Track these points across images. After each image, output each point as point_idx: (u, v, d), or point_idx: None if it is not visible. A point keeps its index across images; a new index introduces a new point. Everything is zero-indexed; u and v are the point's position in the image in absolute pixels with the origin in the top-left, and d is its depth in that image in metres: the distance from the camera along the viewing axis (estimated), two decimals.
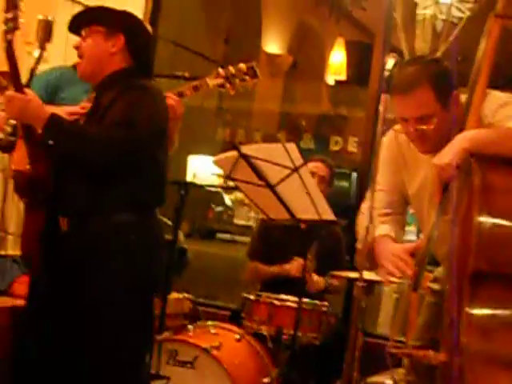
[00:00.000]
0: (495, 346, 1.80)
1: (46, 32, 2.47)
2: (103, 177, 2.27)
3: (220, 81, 2.44)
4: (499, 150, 2.00)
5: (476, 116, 2.05)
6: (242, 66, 2.45)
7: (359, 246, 2.44)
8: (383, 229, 2.42)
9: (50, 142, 2.24)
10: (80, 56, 2.34)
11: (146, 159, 2.30)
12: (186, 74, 2.71)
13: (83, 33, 2.31)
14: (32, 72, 2.43)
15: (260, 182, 2.39)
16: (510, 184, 1.89)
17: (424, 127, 2.17)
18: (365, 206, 2.42)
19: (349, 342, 2.45)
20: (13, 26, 2.24)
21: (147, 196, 2.39)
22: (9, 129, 2.29)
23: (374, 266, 2.38)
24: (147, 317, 2.48)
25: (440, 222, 2.07)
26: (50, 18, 2.48)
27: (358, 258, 2.53)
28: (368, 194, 2.29)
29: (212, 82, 2.44)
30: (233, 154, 2.32)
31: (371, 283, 2.52)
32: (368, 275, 2.41)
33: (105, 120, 2.25)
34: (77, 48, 2.35)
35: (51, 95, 2.71)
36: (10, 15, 2.23)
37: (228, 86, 2.44)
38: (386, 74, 2.10)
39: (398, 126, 2.39)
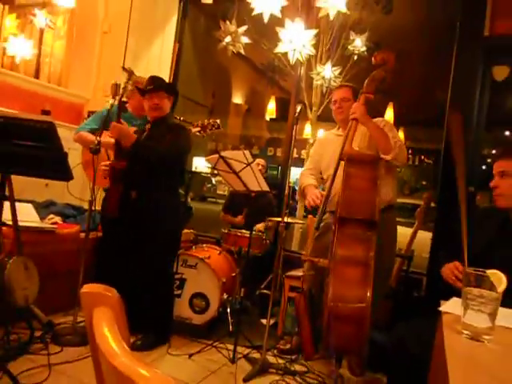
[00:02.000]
0: (352, 253, 2.21)
1: (114, 89, 2.95)
2: (158, 170, 2.78)
3: (198, 129, 2.90)
4: (370, 125, 2.54)
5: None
6: (211, 121, 2.91)
7: (299, 189, 2.96)
8: (310, 181, 2.88)
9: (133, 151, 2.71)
10: (156, 107, 2.84)
11: (179, 164, 2.90)
12: (182, 118, 3.20)
13: (156, 94, 2.83)
14: (108, 113, 2.88)
15: (230, 170, 2.75)
16: (358, 173, 2.27)
17: (344, 105, 2.75)
18: (302, 170, 3.00)
19: (276, 254, 2.90)
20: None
21: (177, 182, 2.97)
22: (96, 142, 2.69)
23: (304, 198, 2.85)
24: (177, 241, 3.06)
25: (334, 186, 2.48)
26: (117, 82, 2.97)
27: (297, 194, 3.03)
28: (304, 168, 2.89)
29: (194, 129, 2.91)
30: (216, 156, 2.72)
31: (288, 223, 3.01)
32: (286, 220, 2.91)
33: (164, 141, 2.75)
34: (156, 104, 2.84)
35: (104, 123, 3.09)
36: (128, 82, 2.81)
37: (202, 132, 2.91)
38: (296, 114, 2.70)
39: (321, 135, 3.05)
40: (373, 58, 2.58)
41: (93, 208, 2.82)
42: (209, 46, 4.90)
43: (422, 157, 8.52)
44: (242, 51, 4.07)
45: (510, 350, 1.14)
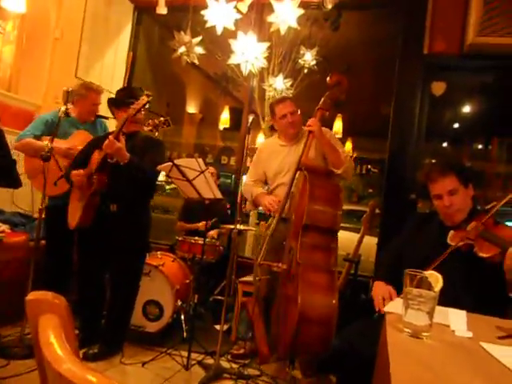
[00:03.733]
0: (314, 260, 2.27)
1: (66, 96, 2.87)
2: (140, 186, 2.77)
3: (150, 128, 2.85)
4: (324, 140, 2.61)
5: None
6: (162, 119, 2.85)
7: (248, 198, 2.97)
8: (259, 189, 2.92)
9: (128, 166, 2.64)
10: (138, 121, 2.81)
11: (156, 180, 2.93)
12: None
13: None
14: (59, 120, 2.78)
15: (183, 178, 2.73)
16: (320, 183, 2.36)
17: (295, 119, 2.81)
18: (246, 181, 3.01)
19: (229, 260, 2.86)
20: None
21: (151, 195, 2.98)
22: (47, 148, 2.62)
23: (255, 207, 2.97)
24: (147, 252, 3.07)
25: (292, 193, 2.52)
26: (69, 89, 2.89)
27: (247, 205, 3.06)
28: (246, 178, 2.90)
29: (147, 129, 2.87)
30: (169, 164, 2.69)
31: (241, 230, 3.09)
32: (239, 227, 2.97)
33: (147, 158, 2.73)
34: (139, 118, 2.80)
35: (49, 128, 3.02)
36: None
37: (154, 130, 2.86)
38: (249, 125, 2.75)
39: (262, 144, 3.11)
40: (328, 79, 2.70)
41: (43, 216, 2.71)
42: (163, 55, 4.86)
43: (369, 166, 8.83)
44: (196, 61, 4.07)
45: (445, 345, 1.20)
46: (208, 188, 2.77)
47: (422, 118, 3.23)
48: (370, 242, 3.44)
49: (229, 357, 2.96)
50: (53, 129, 2.82)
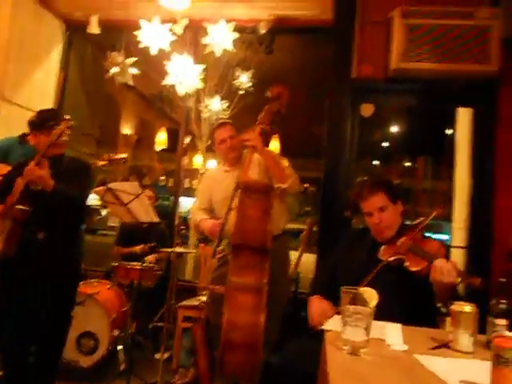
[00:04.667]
0: (246, 280, 2.24)
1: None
2: (67, 212, 2.56)
3: (105, 163, 2.72)
4: (266, 155, 2.58)
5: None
6: (118, 156, 2.76)
7: (192, 226, 2.86)
8: (202, 216, 2.81)
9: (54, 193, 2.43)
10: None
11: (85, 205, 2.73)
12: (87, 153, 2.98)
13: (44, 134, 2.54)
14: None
15: (118, 202, 2.67)
16: (252, 202, 2.31)
17: (235, 143, 2.73)
18: (192, 208, 2.90)
19: (169, 284, 2.87)
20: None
21: (81, 221, 2.79)
22: None
23: (200, 233, 2.88)
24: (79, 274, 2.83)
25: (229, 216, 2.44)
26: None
27: (192, 231, 2.96)
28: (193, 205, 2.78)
29: (101, 163, 2.73)
30: (103, 188, 2.66)
31: (180, 253, 3.13)
32: (178, 249, 2.97)
33: (74, 184, 2.51)
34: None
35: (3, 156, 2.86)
36: None
37: (108, 165, 2.73)
38: (184, 145, 2.78)
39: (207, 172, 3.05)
40: (268, 92, 2.66)
41: None
42: (96, 75, 4.73)
43: (306, 185, 9.05)
44: (131, 82, 4.00)
45: (382, 360, 1.23)
46: (144, 211, 2.72)
47: (354, 138, 3.36)
48: (309, 259, 3.45)
49: None
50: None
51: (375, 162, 6.69)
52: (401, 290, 1.80)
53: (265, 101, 2.67)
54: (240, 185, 2.42)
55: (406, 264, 1.80)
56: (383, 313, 1.52)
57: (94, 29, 4.09)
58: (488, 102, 3.17)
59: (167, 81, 3.83)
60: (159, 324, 3.43)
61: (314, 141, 4.71)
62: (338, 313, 1.51)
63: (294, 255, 3.32)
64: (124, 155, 2.75)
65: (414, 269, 1.76)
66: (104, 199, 2.70)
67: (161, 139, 5.23)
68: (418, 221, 1.92)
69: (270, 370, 2.36)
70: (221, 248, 2.80)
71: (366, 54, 3.38)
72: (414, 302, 1.76)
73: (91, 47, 4.93)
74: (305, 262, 3.37)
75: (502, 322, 1.43)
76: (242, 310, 2.13)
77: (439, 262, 1.66)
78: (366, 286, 1.55)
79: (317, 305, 1.90)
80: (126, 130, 7.34)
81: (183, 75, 3.76)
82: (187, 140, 2.76)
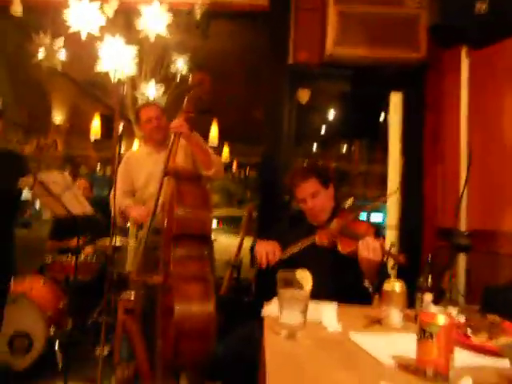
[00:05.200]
0: (188, 270, 2.20)
1: None
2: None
3: (33, 149, 2.53)
4: (193, 141, 2.51)
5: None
6: (48, 142, 2.59)
7: (116, 211, 2.70)
8: (127, 201, 2.74)
9: None
10: None
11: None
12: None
13: None
14: None
15: (48, 193, 2.51)
16: (188, 188, 2.25)
17: (161, 123, 2.66)
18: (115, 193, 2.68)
19: (107, 277, 2.63)
20: None
21: (13, 216, 2.70)
22: None
23: (124, 220, 2.75)
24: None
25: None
26: None
27: (117, 218, 2.73)
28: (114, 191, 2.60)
29: (28, 149, 2.55)
30: (31, 179, 2.44)
31: (117, 247, 3.06)
32: (116, 240, 2.92)
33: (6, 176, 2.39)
34: None
35: None
36: None
37: (38, 152, 2.53)
38: (119, 133, 2.68)
39: (128, 153, 2.92)
40: (190, 79, 2.63)
41: None
42: (22, 60, 4.41)
43: (247, 170, 9.08)
44: (59, 67, 3.77)
45: (317, 342, 1.25)
46: (77, 203, 2.60)
47: (291, 123, 3.38)
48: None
49: (113, 382, 2.68)
50: None
51: (313, 147, 6.84)
52: (336, 272, 1.85)
53: (188, 88, 2.57)
54: (170, 171, 2.36)
55: (339, 247, 1.85)
56: (320, 295, 1.55)
57: (16, 9, 3.79)
58: (417, 86, 3.32)
59: (99, 66, 3.65)
60: (99, 319, 3.36)
61: (255, 126, 4.70)
62: None
63: (236, 242, 3.37)
64: (53, 140, 2.58)
65: (345, 251, 1.82)
66: (33, 191, 2.55)
67: (95, 126, 4.99)
68: (348, 202, 1.99)
69: (214, 359, 2.43)
70: (140, 237, 2.77)
71: (302, 40, 3.40)
72: (349, 284, 1.81)
73: (16, 31, 4.59)
74: (246, 248, 3.33)
75: (429, 297, 1.52)
76: (192, 299, 2.10)
77: (365, 241, 1.73)
78: (301, 265, 1.56)
79: (265, 244, 1.93)
80: (58, 117, 6.93)
81: (116, 59, 3.59)
82: (121, 128, 2.61)
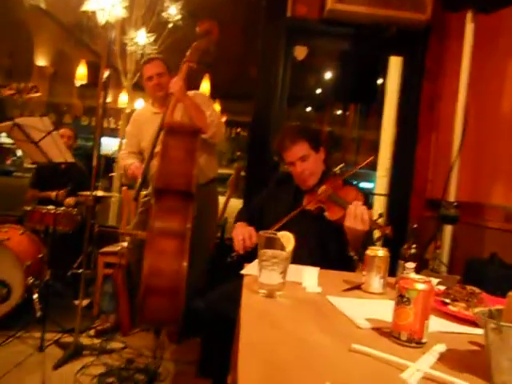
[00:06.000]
0: (169, 225, 2.26)
1: None
2: None
3: (12, 92, 2.41)
4: (186, 102, 2.49)
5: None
6: (29, 85, 2.45)
7: (122, 171, 2.78)
8: (131, 160, 2.73)
9: None
10: None
11: None
12: None
13: None
14: None
15: (27, 139, 2.47)
16: (177, 144, 2.30)
17: (163, 81, 2.63)
18: (121, 153, 2.82)
19: (86, 229, 2.61)
20: None
21: None
22: None
23: (128, 179, 2.75)
24: None
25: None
26: None
27: (117, 174, 2.89)
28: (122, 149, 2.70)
29: (7, 92, 2.41)
30: (9, 123, 2.43)
31: (100, 197, 3.03)
32: (98, 193, 2.88)
33: None
34: None
35: None
36: None
37: (17, 96, 2.40)
38: (103, 80, 2.55)
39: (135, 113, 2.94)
40: (197, 28, 2.55)
41: None
42: None
43: (239, 129, 8.99)
44: (43, 5, 3.62)
45: (296, 302, 1.27)
46: (58, 151, 2.54)
47: (285, 81, 3.31)
48: (237, 204, 3.42)
49: (91, 333, 2.81)
50: None
51: (308, 109, 6.73)
52: (321, 238, 1.86)
53: (195, 37, 2.55)
54: (164, 126, 2.35)
55: (326, 213, 1.84)
56: (303, 261, 1.59)
57: None
58: (418, 51, 3.26)
59: (86, 6, 3.51)
60: (79, 271, 3.39)
61: (249, 83, 4.60)
62: None
63: (221, 200, 3.36)
64: (34, 85, 2.49)
65: (332, 218, 1.82)
66: (12, 136, 2.49)
67: (80, 73, 4.84)
68: (338, 167, 1.97)
69: (195, 315, 2.48)
70: (145, 193, 2.78)
71: None
72: (334, 251, 1.83)
73: None
74: (232, 207, 3.37)
75: (411, 265, 1.53)
76: (164, 255, 2.11)
77: (352, 209, 1.71)
78: (284, 229, 1.57)
79: (241, 229, 1.91)
80: (41, 61, 6.65)
81: (104, 0, 3.45)
82: (106, 74, 2.53)
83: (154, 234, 2.16)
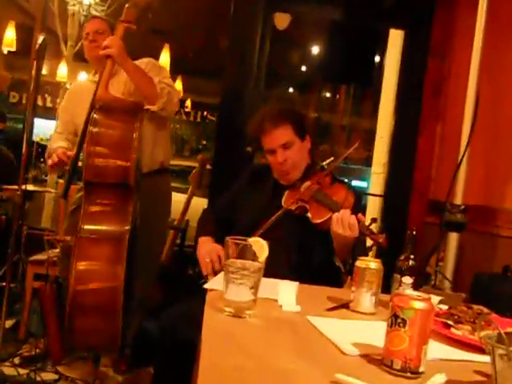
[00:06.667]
0: (100, 226, 2.18)
1: None
2: None
3: None
4: (128, 66, 2.45)
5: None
6: None
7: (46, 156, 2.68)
8: (60, 143, 2.64)
9: None
10: None
11: None
12: None
13: None
14: None
15: None
16: (110, 125, 2.24)
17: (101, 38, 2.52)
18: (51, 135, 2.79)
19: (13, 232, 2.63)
20: None
21: None
22: None
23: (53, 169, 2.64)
24: None
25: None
26: None
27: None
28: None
29: None
30: None
31: (31, 192, 2.95)
32: (31, 187, 2.88)
33: None
34: None
35: None
36: None
37: None
38: (37, 46, 2.51)
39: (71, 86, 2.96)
40: None
41: None
42: None
43: (205, 113, 8.92)
44: None
45: (269, 323, 1.27)
46: None
47: (263, 55, 3.31)
48: (200, 204, 3.38)
49: (17, 361, 2.75)
50: None
51: (290, 90, 6.74)
52: (303, 245, 1.86)
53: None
54: (96, 103, 2.30)
55: (309, 215, 1.84)
56: (279, 274, 1.57)
57: None
58: (422, 23, 3.29)
59: None
60: (2, 284, 3.33)
61: (219, 56, 4.58)
62: None
63: (181, 199, 3.34)
64: None
65: (316, 220, 1.82)
66: None
67: (8, 37, 4.72)
68: (327, 161, 1.97)
69: (146, 339, 2.45)
70: (77, 187, 2.71)
71: None
72: (317, 261, 1.84)
73: None
74: (195, 207, 3.35)
75: (409, 280, 1.55)
76: (96, 263, 2.08)
77: (340, 214, 1.71)
78: (261, 236, 1.56)
79: (206, 248, 1.89)
80: None
81: None
82: (41, 39, 2.48)
83: (82, 237, 2.11)
